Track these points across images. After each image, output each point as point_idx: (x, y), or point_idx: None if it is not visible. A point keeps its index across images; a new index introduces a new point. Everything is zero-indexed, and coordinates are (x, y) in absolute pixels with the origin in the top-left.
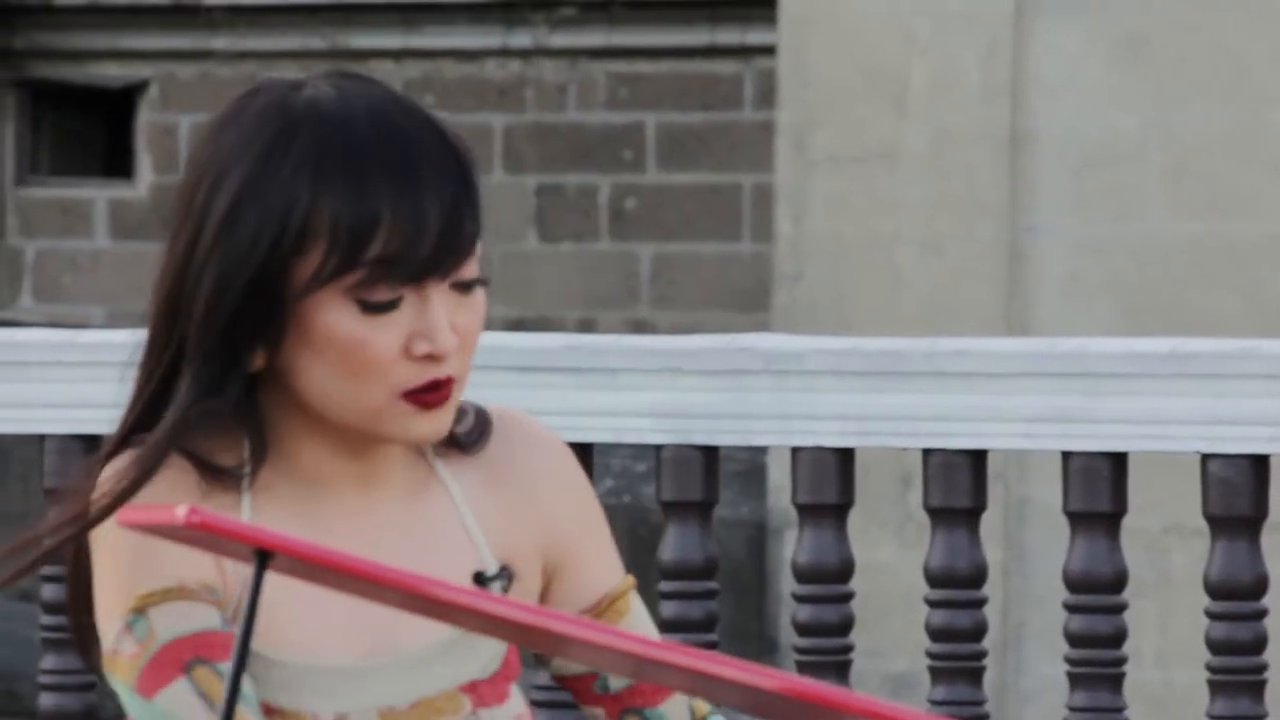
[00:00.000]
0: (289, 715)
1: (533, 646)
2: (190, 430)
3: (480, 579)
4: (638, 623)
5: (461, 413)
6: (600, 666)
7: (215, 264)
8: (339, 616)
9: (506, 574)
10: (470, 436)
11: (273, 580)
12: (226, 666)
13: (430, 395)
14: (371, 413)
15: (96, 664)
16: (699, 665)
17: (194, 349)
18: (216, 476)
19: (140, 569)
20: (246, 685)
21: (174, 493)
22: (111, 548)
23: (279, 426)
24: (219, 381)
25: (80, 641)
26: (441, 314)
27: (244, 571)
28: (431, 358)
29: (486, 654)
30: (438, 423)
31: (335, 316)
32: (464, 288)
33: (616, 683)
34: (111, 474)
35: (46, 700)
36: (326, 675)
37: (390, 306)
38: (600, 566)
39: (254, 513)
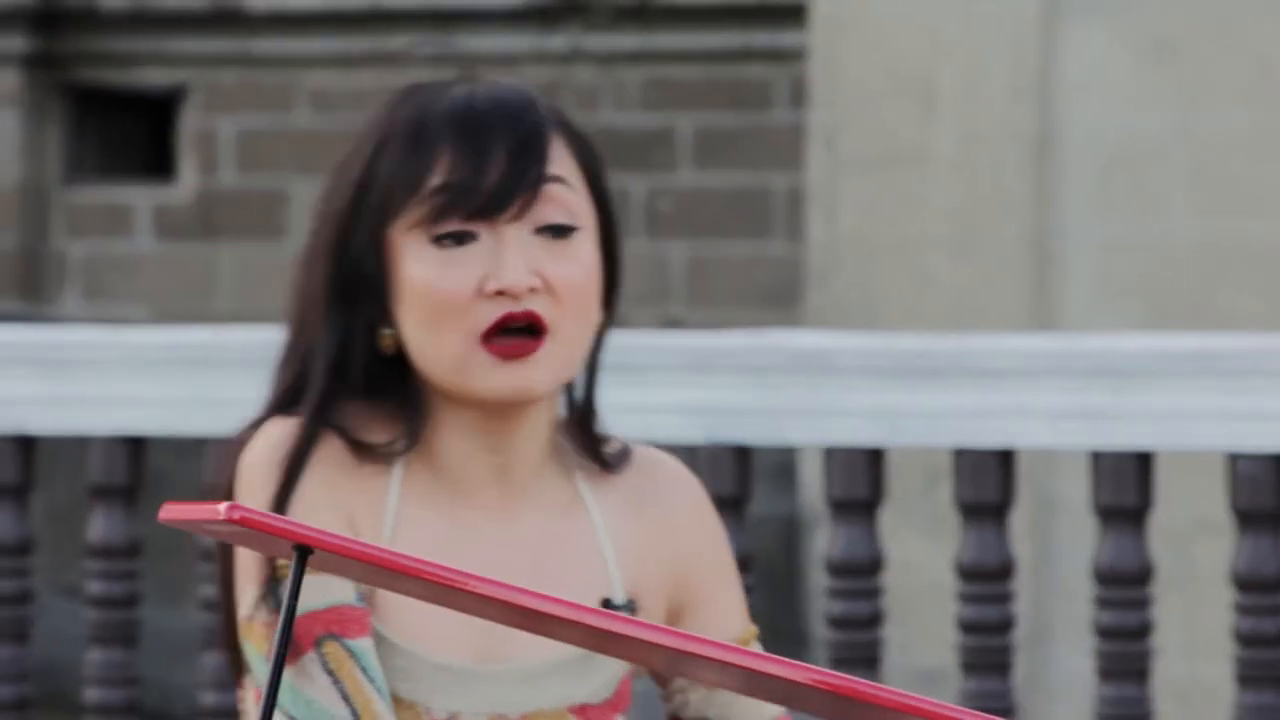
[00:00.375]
0: (404, 705)
1: (571, 641)
2: (334, 409)
3: (607, 606)
4: None
5: (607, 438)
6: (635, 659)
7: (318, 240)
8: (459, 616)
9: (630, 607)
10: (616, 459)
11: None
12: (359, 643)
13: (509, 344)
14: (455, 363)
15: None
16: (732, 659)
17: (315, 327)
18: (366, 454)
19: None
20: (374, 663)
21: (326, 469)
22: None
23: (431, 412)
24: (345, 356)
25: (227, 630)
26: (516, 253)
27: (385, 541)
28: (503, 295)
29: (600, 679)
30: (521, 378)
31: (416, 260)
32: (554, 234)
33: None
34: (264, 448)
35: (90, 694)
36: (443, 672)
37: (460, 239)
38: (725, 612)
39: (401, 497)
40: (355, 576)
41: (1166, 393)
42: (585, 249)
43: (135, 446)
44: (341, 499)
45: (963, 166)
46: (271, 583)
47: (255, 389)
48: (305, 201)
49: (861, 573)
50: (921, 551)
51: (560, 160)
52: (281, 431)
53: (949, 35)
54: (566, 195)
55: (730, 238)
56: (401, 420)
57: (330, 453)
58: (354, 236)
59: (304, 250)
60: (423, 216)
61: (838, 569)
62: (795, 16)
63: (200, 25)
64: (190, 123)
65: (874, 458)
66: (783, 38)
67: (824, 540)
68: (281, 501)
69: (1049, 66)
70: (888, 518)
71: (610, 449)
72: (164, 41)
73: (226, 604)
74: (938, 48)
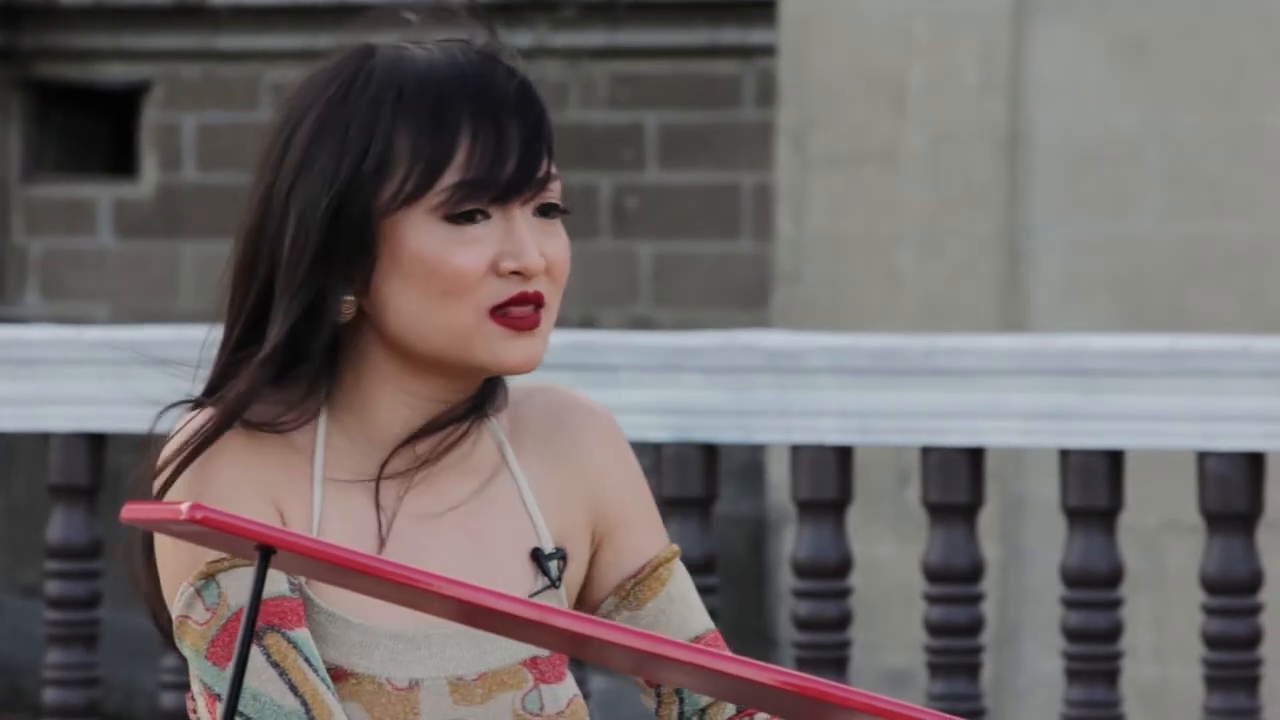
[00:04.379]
0: (365, 679)
1: (536, 642)
2: (268, 381)
3: (537, 556)
4: (678, 591)
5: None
6: (603, 662)
7: (297, 201)
8: None
9: (561, 554)
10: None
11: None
12: (297, 633)
13: (520, 317)
14: (462, 334)
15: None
16: (699, 660)
17: (283, 289)
18: (272, 430)
19: None
20: (314, 651)
21: (243, 453)
22: (219, 513)
23: (360, 387)
24: (311, 322)
25: (153, 612)
26: (528, 233)
27: (304, 527)
28: (519, 275)
29: None
30: (528, 349)
31: (423, 235)
32: (546, 214)
33: None
34: (191, 430)
35: (50, 695)
36: (397, 640)
37: (474, 218)
38: (644, 534)
39: (326, 471)
40: (315, 575)
41: (1137, 392)
42: (564, 229)
43: (96, 446)
44: (262, 481)
45: (933, 165)
46: (202, 581)
47: None
48: None
49: (829, 573)
50: (890, 552)
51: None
52: (204, 418)
53: (919, 33)
54: (558, 183)
55: (698, 236)
56: (321, 383)
57: (252, 437)
58: (349, 209)
59: (258, 196)
60: (440, 200)
61: (805, 570)
62: (764, 13)
63: (162, 20)
64: (152, 118)
65: (842, 457)
66: (751, 34)
67: (792, 541)
68: (187, 484)
69: (1020, 64)
70: (856, 518)
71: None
72: (126, 36)
73: (156, 601)
74: (908, 45)
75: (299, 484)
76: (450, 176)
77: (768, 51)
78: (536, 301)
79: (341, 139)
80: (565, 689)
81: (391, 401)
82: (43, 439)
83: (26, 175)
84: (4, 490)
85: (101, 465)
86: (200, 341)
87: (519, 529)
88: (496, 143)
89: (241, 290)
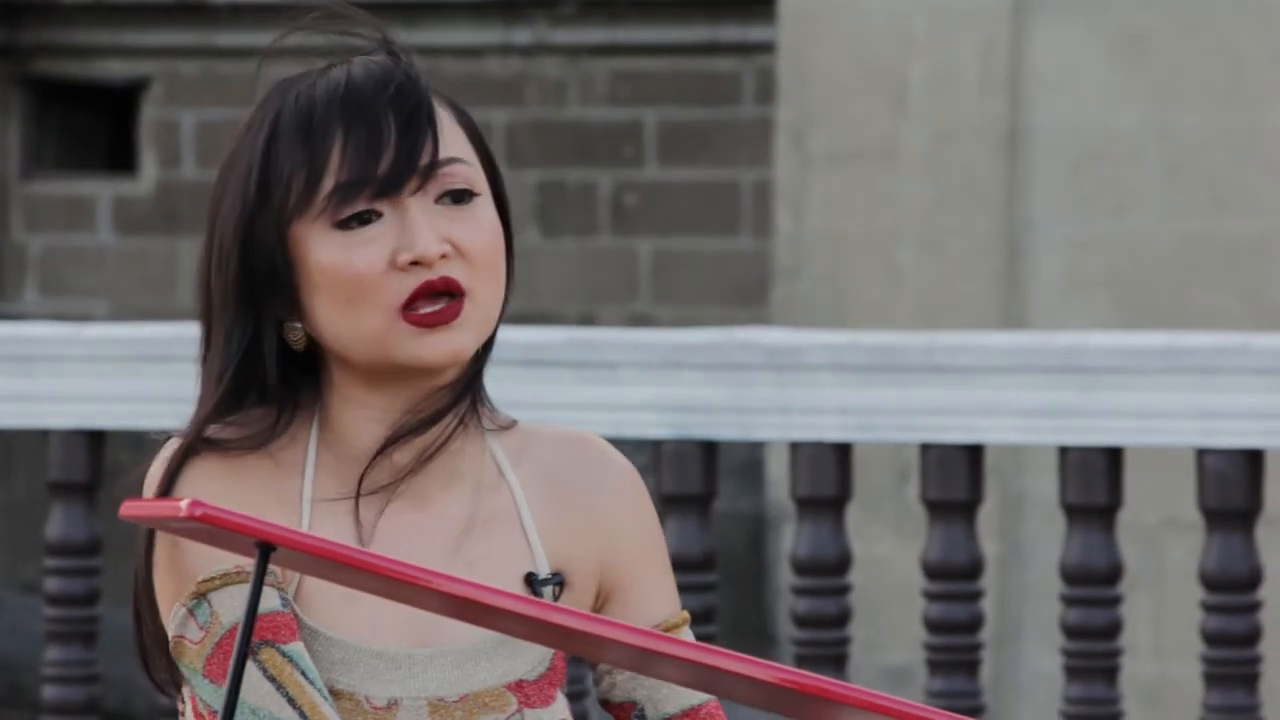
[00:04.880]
0: (343, 696)
1: (532, 639)
2: (231, 408)
3: (531, 580)
4: None
5: (490, 406)
6: (601, 659)
7: (217, 237)
8: (389, 603)
9: (558, 579)
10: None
11: None
12: (292, 647)
13: (431, 313)
14: (377, 338)
15: (151, 666)
16: (698, 657)
17: (218, 318)
18: (237, 448)
19: (199, 554)
20: (310, 664)
21: (218, 479)
22: (169, 535)
23: (331, 410)
24: (251, 353)
25: (140, 645)
26: (422, 221)
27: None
28: (417, 264)
29: (534, 655)
30: (447, 343)
31: (322, 247)
32: (455, 200)
33: (654, 714)
34: (159, 463)
35: (50, 692)
36: (378, 659)
37: (364, 219)
38: (656, 596)
39: (315, 487)
40: (314, 573)
41: (1136, 390)
42: (486, 212)
43: (95, 443)
44: (239, 502)
45: (933, 162)
46: (194, 600)
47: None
48: None
49: (829, 571)
50: (889, 549)
51: (450, 132)
52: (176, 446)
53: (919, 30)
54: (462, 168)
55: (697, 233)
56: (277, 408)
57: (227, 460)
58: (256, 236)
59: (202, 257)
60: (325, 207)
61: (804, 567)
62: (764, 10)
63: (162, 17)
64: (151, 115)
65: (842, 454)
66: (751, 31)
67: (791, 538)
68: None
69: (1020, 62)
70: (855, 515)
71: (497, 417)
72: (125, 33)
73: (149, 620)
74: (908, 42)
75: (287, 504)
76: (328, 183)
77: (767, 48)
78: (447, 289)
79: (239, 169)
80: (551, 713)
81: (355, 418)
82: (42, 436)
83: (26, 172)
84: (3, 487)
85: (101, 462)
86: (199, 339)
87: (514, 551)
88: (368, 140)
89: (203, 321)
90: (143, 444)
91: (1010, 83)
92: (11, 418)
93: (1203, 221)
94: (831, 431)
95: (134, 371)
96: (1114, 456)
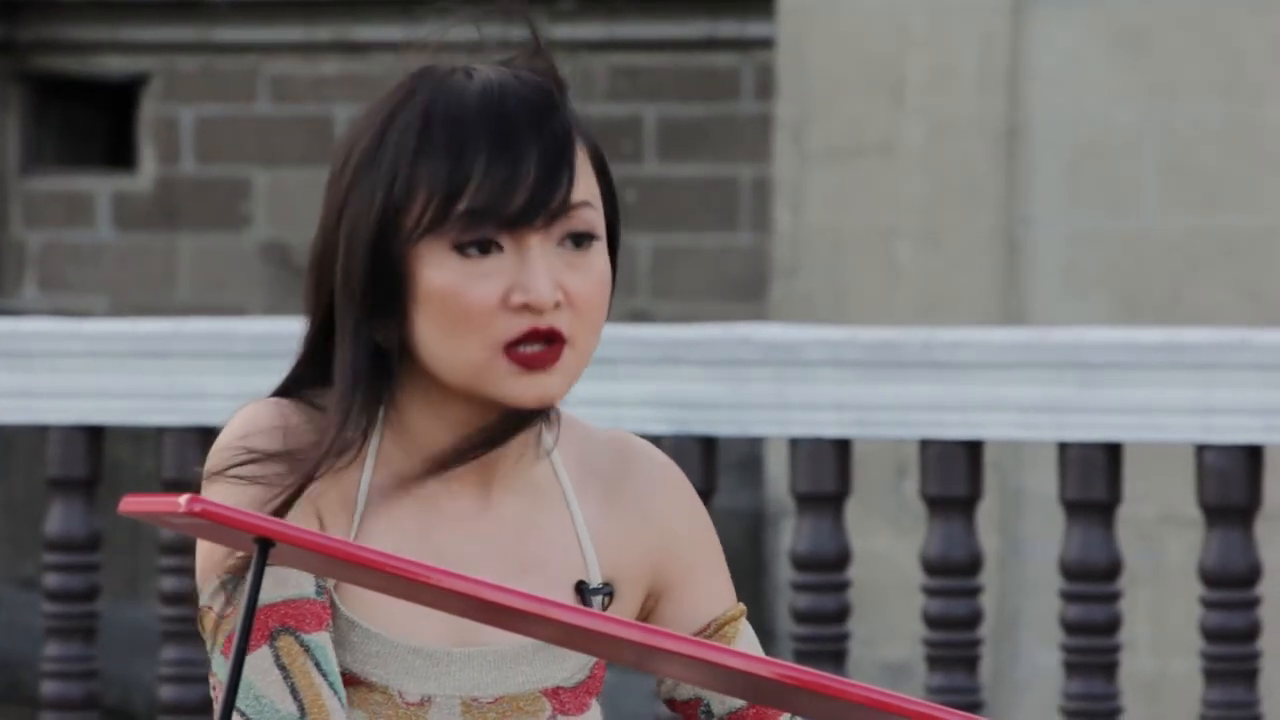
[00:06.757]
0: (377, 689)
1: (536, 635)
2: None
3: (582, 590)
4: (747, 650)
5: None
6: (604, 655)
7: (345, 228)
8: None
9: (608, 590)
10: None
11: None
12: (314, 637)
13: (532, 354)
14: (474, 369)
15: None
16: (699, 653)
17: (341, 316)
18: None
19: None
20: (330, 657)
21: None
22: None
23: (405, 403)
24: (368, 347)
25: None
26: (540, 266)
27: (343, 533)
28: (529, 309)
29: (574, 662)
30: (543, 387)
31: (437, 268)
32: (576, 244)
33: (720, 708)
34: (232, 432)
35: (49, 688)
36: (415, 655)
37: (484, 248)
38: (710, 592)
39: (372, 485)
40: (315, 569)
41: (1135, 385)
42: (600, 259)
43: (94, 438)
44: (308, 491)
45: (932, 158)
46: (229, 574)
47: (215, 380)
48: (266, 190)
49: (828, 566)
50: (888, 545)
51: (583, 172)
52: (253, 411)
53: (918, 25)
54: (589, 212)
55: (696, 229)
56: (362, 404)
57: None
58: (388, 246)
59: (322, 243)
60: (454, 232)
61: (804, 563)
62: (762, 6)
63: (160, 13)
64: (150, 111)
65: (841, 450)
66: (750, 27)
67: (790, 534)
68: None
69: (1019, 57)
70: (854, 511)
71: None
72: (124, 29)
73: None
74: (906, 38)
75: (345, 493)
76: (461, 205)
77: (766, 44)
78: (550, 337)
79: (378, 168)
80: None
81: (428, 420)
82: (41, 432)
83: (25, 168)
84: (2, 483)
85: (100, 458)
86: (198, 334)
87: (568, 560)
88: (509, 171)
89: (312, 311)
90: (141, 439)
91: (1009, 78)
92: (11, 413)
93: (1202, 217)
94: (830, 427)
95: (133, 367)
96: (1113, 452)
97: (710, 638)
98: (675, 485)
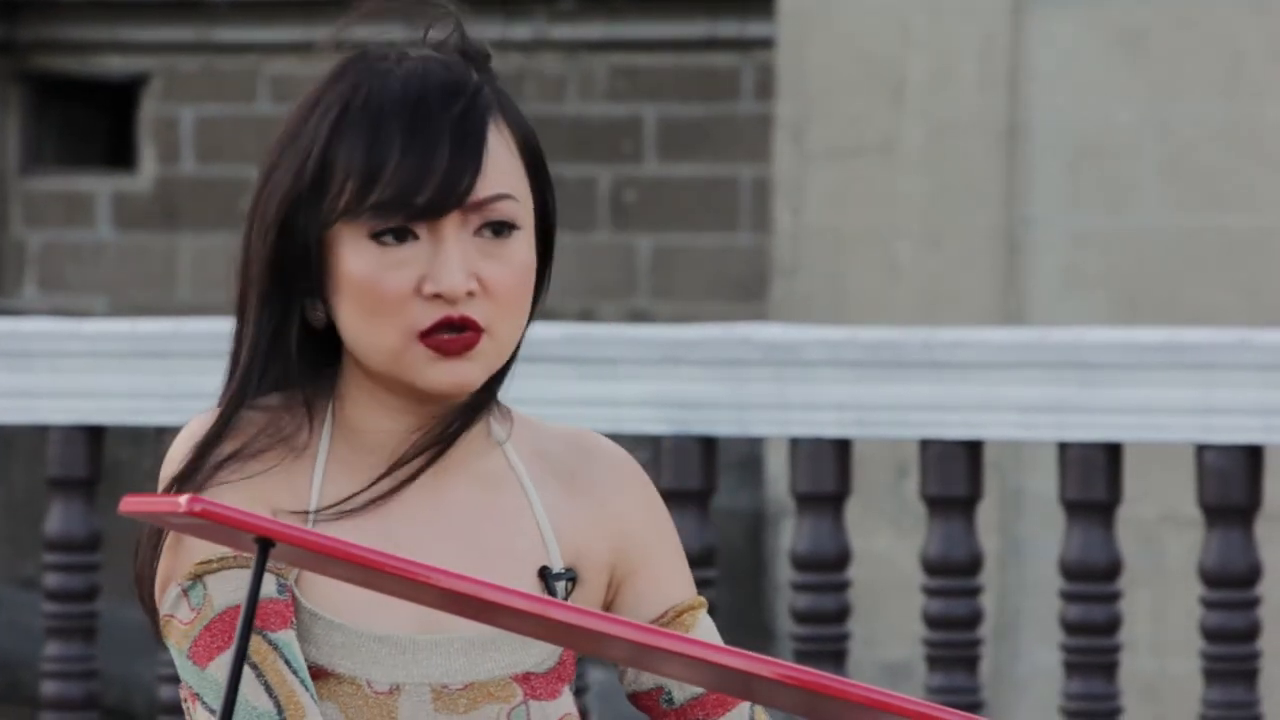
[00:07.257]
0: (345, 680)
1: (533, 635)
2: (262, 387)
3: (545, 575)
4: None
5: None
6: (599, 654)
7: (260, 209)
8: None
9: (571, 575)
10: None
11: None
12: (280, 635)
13: (447, 341)
14: (393, 355)
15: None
16: (696, 652)
17: (254, 295)
18: (283, 441)
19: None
20: (297, 654)
21: (252, 459)
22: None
23: (348, 398)
24: (280, 332)
25: (145, 605)
26: (454, 255)
27: (310, 521)
28: (441, 298)
29: (543, 648)
30: (458, 374)
31: (354, 254)
32: (495, 233)
33: (680, 695)
34: (187, 435)
35: (49, 688)
36: (381, 644)
37: (400, 236)
38: (670, 580)
39: (326, 477)
40: (315, 569)
41: (1135, 385)
42: (522, 249)
43: (94, 438)
44: (258, 482)
45: (932, 157)
46: (190, 582)
47: (215, 380)
48: None
49: (828, 566)
50: (888, 545)
51: (503, 161)
52: (201, 421)
53: (918, 25)
54: (506, 204)
55: (696, 229)
56: (302, 394)
57: (260, 442)
58: (299, 221)
59: (247, 221)
60: (368, 220)
61: (804, 563)
62: (762, 6)
63: (160, 13)
64: (150, 111)
65: (841, 450)
66: (750, 27)
67: (790, 534)
68: (184, 485)
69: (1019, 57)
70: (854, 511)
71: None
72: (124, 29)
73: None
74: (906, 37)
75: (297, 491)
76: (375, 195)
77: (766, 44)
78: (465, 325)
79: (300, 146)
80: (557, 707)
81: (370, 409)
82: (41, 432)
83: (25, 168)
84: (2, 483)
85: (100, 458)
86: (198, 334)
87: (528, 546)
88: (419, 162)
89: (239, 293)
90: (141, 439)
91: (1009, 78)
92: (10, 413)
93: (1202, 217)
94: (830, 427)
95: (133, 367)
96: (1113, 452)
97: (668, 625)
98: (632, 476)
